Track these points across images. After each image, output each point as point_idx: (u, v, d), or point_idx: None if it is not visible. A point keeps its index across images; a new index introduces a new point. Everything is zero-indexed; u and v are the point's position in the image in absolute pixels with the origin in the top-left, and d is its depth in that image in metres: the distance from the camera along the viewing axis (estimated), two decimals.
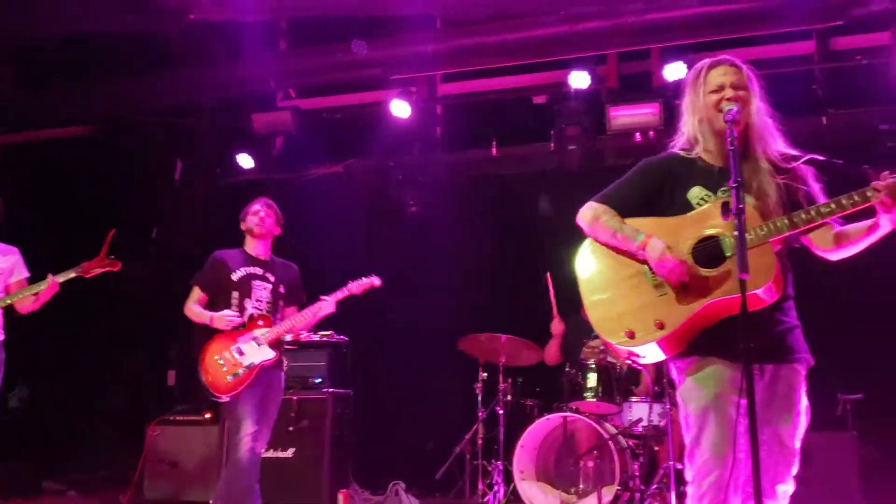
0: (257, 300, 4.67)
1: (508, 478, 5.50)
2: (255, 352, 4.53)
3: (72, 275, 4.72)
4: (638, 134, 6.60)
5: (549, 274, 5.84)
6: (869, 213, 2.55)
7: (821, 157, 2.76)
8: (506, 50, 6.52)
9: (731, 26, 5.97)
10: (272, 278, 4.74)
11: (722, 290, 2.58)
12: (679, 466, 4.88)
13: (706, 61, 2.85)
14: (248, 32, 6.67)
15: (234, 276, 4.65)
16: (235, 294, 4.64)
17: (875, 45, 6.29)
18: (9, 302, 4.76)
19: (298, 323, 4.71)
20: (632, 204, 2.84)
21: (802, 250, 2.77)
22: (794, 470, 2.68)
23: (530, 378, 6.18)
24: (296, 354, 6.00)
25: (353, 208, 7.37)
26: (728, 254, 2.61)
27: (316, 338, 6.11)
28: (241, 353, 4.52)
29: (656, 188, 2.85)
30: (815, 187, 2.75)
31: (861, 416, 5.30)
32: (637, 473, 5.19)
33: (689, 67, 2.96)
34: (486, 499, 5.51)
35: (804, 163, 2.76)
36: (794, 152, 2.78)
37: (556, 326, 6.01)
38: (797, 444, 2.67)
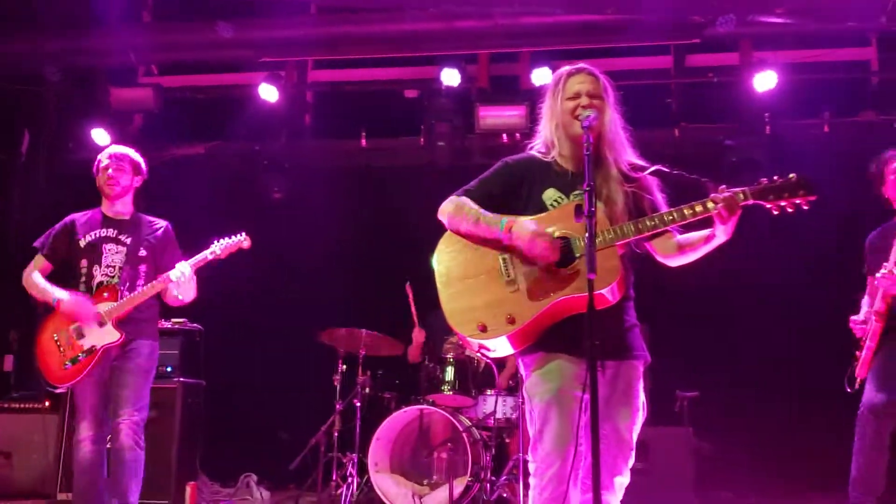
0: (108, 266, 4.05)
1: (363, 470, 5.49)
2: (98, 333, 3.92)
3: None
4: (505, 135, 6.75)
5: (408, 283, 5.88)
6: (707, 223, 2.71)
7: (665, 169, 2.92)
8: (379, 41, 6.51)
9: (596, 36, 6.22)
10: (128, 240, 4.10)
11: (570, 289, 2.68)
12: (528, 458, 5.03)
13: (566, 69, 2.96)
14: (108, 0, 6.32)
15: (83, 242, 4.07)
16: (84, 262, 4.04)
17: (726, 65, 6.71)
18: None
19: (149, 292, 3.99)
20: (491, 200, 2.89)
21: (645, 256, 2.92)
22: (631, 463, 2.81)
23: (390, 371, 6.20)
24: None
25: (214, 193, 7.12)
26: (577, 254, 2.71)
27: (168, 325, 5.87)
28: (81, 333, 3.93)
29: (514, 187, 2.92)
30: (659, 197, 2.90)
31: (696, 412, 5.63)
32: (488, 465, 5.31)
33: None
34: (339, 491, 5.48)
35: (650, 173, 2.91)
36: (641, 163, 2.93)
37: (418, 335, 6.06)
38: (634, 438, 2.80)
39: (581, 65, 2.96)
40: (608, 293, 2.67)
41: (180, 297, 4.08)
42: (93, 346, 3.94)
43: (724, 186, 2.66)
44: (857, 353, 4.22)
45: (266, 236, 7.22)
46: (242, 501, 6.20)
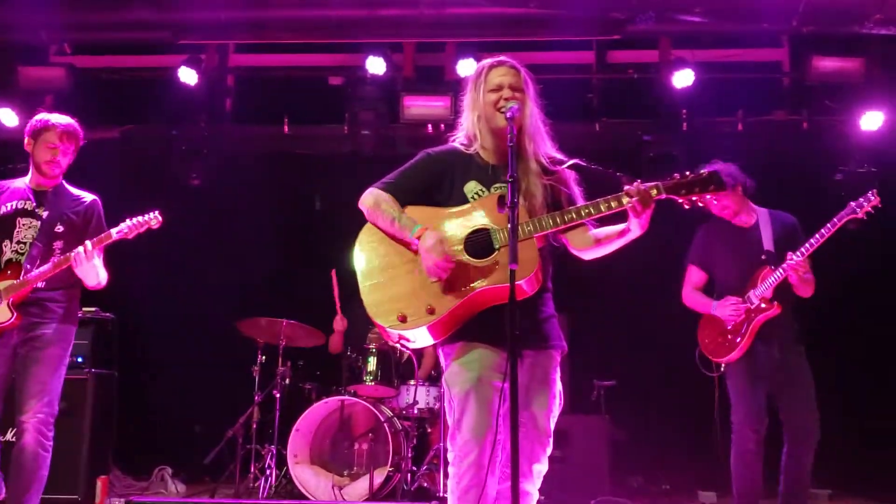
0: (18, 242, 3.79)
1: (282, 462, 5.43)
2: None
3: None
4: (430, 125, 6.74)
5: (333, 270, 5.82)
6: (622, 217, 2.77)
7: (583, 163, 2.97)
8: (302, 26, 6.39)
9: (519, 29, 6.27)
10: (44, 214, 3.82)
11: (489, 280, 2.71)
12: (448, 447, 5.06)
13: (487, 62, 2.98)
14: None
15: None
16: None
17: (646, 62, 6.85)
18: None
19: (48, 271, 3.72)
20: (412, 193, 2.91)
21: (561, 249, 2.95)
22: (549, 450, 2.85)
23: (311, 362, 6.14)
24: None
25: (129, 178, 6.90)
26: (497, 246, 2.74)
27: (79, 314, 5.66)
28: None
29: (436, 179, 2.93)
30: (576, 191, 2.95)
31: (612, 400, 5.77)
32: (409, 455, 5.33)
33: None
34: (256, 483, 5.40)
35: (568, 167, 2.96)
36: (560, 156, 2.97)
37: (339, 323, 6.03)
38: (552, 426, 2.85)
39: (502, 58, 2.98)
40: (525, 284, 2.71)
41: (85, 280, 3.81)
42: None
43: (638, 181, 2.71)
44: (730, 336, 4.27)
45: (183, 224, 7.08)
46: (157, 495, 6.05)
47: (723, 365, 4.29)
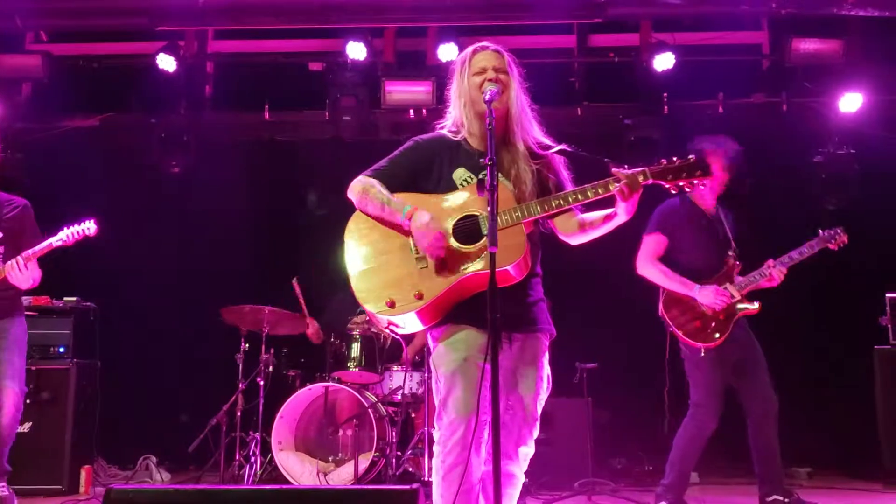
0: None
1: (266, 449, 5.44)
2: None
3: None
4: (411, 111, 6.72)
5: (295, 279, 5.81)
6: (609, 202, 2.78)
7: (569, 149, 2.98)
8: (281, 12, 6.34)
9: (501, 12, 6.25)
10: None
11: (477, 266, 2.72)
12: (433, 431, 5.09)
13: (471, 47, 2.98)
14: None
15: None
16: None
17: (627, 45, 6.86)
18: None
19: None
20: (401, 180, 2.91)
21: (548, 234, 2.97)
22: (536, 433, 2.88)
23: (295, 349, 6.14)
24: (36, 321, 5.50)
25: (109, 167, 6.85)
26: (485, 232, 2.74)
27: (60, 304, 5.64)
28: None
29: (425, 167, 2.93)
30: (565, 175, 2.96)
31: (595, 383, 5.81)
32: (394, 440, 5.34)
33: (461, 50, 3.06)
34: (242, 471, 5.41)
35: (555, 152, 2.96)
36: (547, 141, 2.97)
37: (312, 331, 6.01)
38: (539, 410, 2.87)
39: (485, 42, 2.99)
40: (513, 269, 2.72)
41: (19, 286, 4.19)
42: None
43: (626, 166, 2.73)
44: (711, 324, 4.28)
45: (164, 212, 7.07)
46: (142, 483, 6.04)
47: (702, 350, 4.28)
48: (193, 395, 6.42)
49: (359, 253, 2.87)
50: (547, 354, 2.93)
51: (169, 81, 6.54)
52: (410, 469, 5.33)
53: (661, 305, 4.40)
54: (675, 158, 2.77)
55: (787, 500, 4.32)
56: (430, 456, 5.05)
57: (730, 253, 4.41)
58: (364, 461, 5.16)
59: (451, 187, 2.87)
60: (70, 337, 5.72)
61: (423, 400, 5.37)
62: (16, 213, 4.24)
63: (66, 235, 4.19)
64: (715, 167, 4.38)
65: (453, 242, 2.77)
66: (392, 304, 2.75)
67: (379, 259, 2.83)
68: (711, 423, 4.28)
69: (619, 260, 6.02)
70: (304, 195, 7.28)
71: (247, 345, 5.67)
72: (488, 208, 2.52)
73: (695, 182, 2.76)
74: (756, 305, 4.34)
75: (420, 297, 2.73)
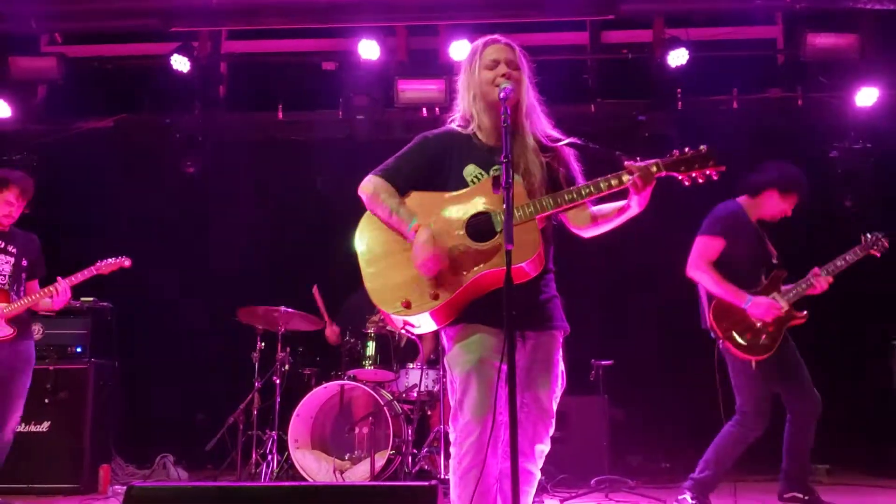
0: None
1: (283, 447, 5.45)
2: None
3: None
4: (424, 109, 6.72)
5: (315, 286, 5.84)
6: (620, 195, 2.76)
7: (579, 142, 2.95)
8: (294, 11, 6.37)
9: (513, 10, 6.25)
10: (14, 250, 4.55)
11: (491, 263, 2.69)
12: (448, 430, 5.08)
13: (482, 40, 2.95)
14: None
15: None
16: None
17: (640, 42, 6.83)
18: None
19: (37, 299, 4.52)
20: (411, 177, 2.88)
21: (559, 227, 2.95)
22: (551, 431, 2.85)
23: (310, 347, 6.16)
24: (54, 322, 5.59)
25: (124, 168, 6.90)
26: (498, 229, 2.72)
27: (77, 304, 5.67)
28: None
29: (434, 164, 2.90)
30: (576, 167, 2.93)
31: (610, 380, 5.79)
32: (410, 438, 5.35)
33: None
34: (258, 469, 5.43)
35: (565, 145, 2.94)
36: (557, 134, 2.95)
37: (331, 334, 6.06)
38: (554, 407, 2.85)
39: (496, 35, 2.95)
40: (528, 266, 2.70)
41: (50, 306, 4.62)
42: None
43: (638, 158, 2.71)
44: (763, 336, 4.24)
45: (179, 212, 7.10)
46: (159, 483, 6.08)
47: (753, 363, 4.21)
48: (210, 394, 6.46)
49: (371, 253, 2.85)
50: (561, 351, 2.90)
51: (183, 82, 6.57)
52: (426, 467, 5.33)
53: (709, 316, 4.28)
54: (687, 149, 2.74)
55: (806, 497, 4.29)
56: (447, 454, 5.05)
57: (774, 262, 4.36)
58: (380, 459, 5.16)
59: (462, 184, 2.84)
60: (87, 337, 5.76)
61: (439, 397, 5.37)
62: (34, 247, 4.69)
63: (104, 266, 4.65)
64: (796, 198, 4.41)
65: (467, 240, 2.75)
66: (408, 305, 2.73)
67: (392, 259, 2.81)
68: (758, 431, 4.24)
69: (635, 258, 6.01)
70: (308, 187, 7.29)
71: (262, 344, 5.69)
72: (503, 205, 2.50)
73: (707, 173, 2.73)
74: (804, 314, 4.27)
75: (436, 296, 2.71)
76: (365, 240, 2.88)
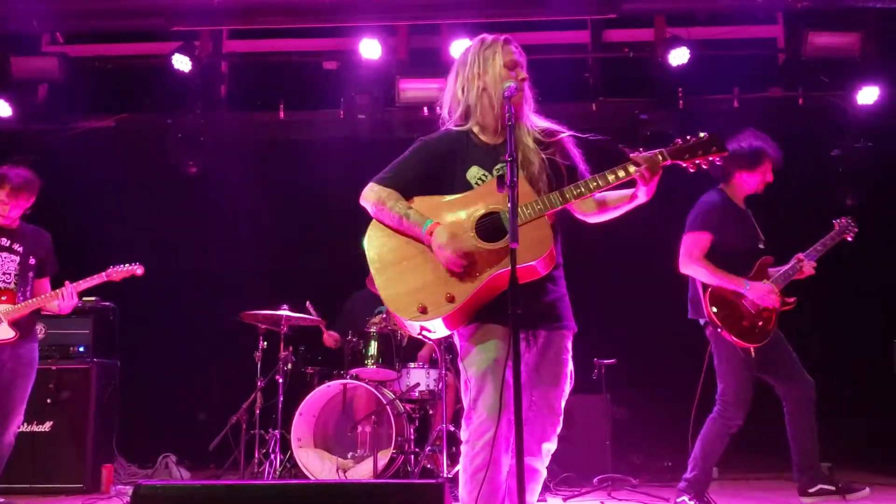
0: (4, 273, 4.40)
1: (286, 447, 5.45)
2: None
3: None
4: (426, 108, 6.72)
5: (308, 301, 5.86)
6: (627, 185, 2.77)
7: (579, 135, 2.96)
8: (295, 11, 6.36)
9: (514, 8, 6.25)
10: (20, 249, 4.48)
11: (504, 263, 2.68)
12: (451, 429, 5.10)
13: (492, 37, 2.95)
14: None
15: None
16: None
17: (641, 40, 6.84)
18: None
19: (44, 301, 4.46)
20: (413, 185, 2.88)
21: (565, 213, 2.92)
22: (559, 430, 2.87)
23: (313, 346, 6.17)
24: (56, 321, 5.56)
25: (125, 167, 6.89)
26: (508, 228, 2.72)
27: (79, 304, 5.67)
28: None
29: (436, 168, 2.90)
30: (576, 154, 2.93)
31: (613, 379, 5.79)
32: (412, 437, 5.35)
33: None
34: (261, 468, 5.43)
35: (565, 137, 2.94)
36: (553, 126, 2.95)
37: (328, 338, 6.11)
38: (562, 406, 2.86)
39: (508, 35, 2.97)
40: (539, 264, 2.70)
41: (57, 309, 4.53)
42: None
43: (641, 149, 2.72)
44: (760, 323, 4.24)
45: (181, 211, 7.10)
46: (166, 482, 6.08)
47: (752, 349, 4.20)
48: (212, 393, 6.46)
49: (382, 260, 2.83)
50: (570, 350, 2.91)
51: (184, 81, 6.58)
52: (429, 466, 5.33)
53: (706, 304, 4.26)
54: (689, 137, 2.78)
55: (834, 487, 4.29)
56: (449, 453, 5.06)
57: (761, 246, 4.38)
58: (383, 458, 5.17)
59: (466, 186, 2.84)
60: (90, 337, 5.76)
61: (441, 396, 5.37)
62: (44, 244, 4.61)
63: (115, 273, 4.61)
64: (767, 166, 4.43)
65: (478, 241, 2.74)
66: (424, 310, 2.71)
67: (403, 265, 2.80)
68: (739, 420, 4.25)
69: (638, 255, 6.01)
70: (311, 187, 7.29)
71: (265, 343, 5.69)
72: (509, 204, 2.51)
73: (711, 159, 2.76)
74: (794, 300, 4.30)
75: (451, 299, 2.70)
76: (375, 248, 2.87)
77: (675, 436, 6.28)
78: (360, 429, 5.48)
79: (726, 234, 4.33)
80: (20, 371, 4.39)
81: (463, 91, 2.93)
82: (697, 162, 2.76)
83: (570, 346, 2.90)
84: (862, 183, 6.47)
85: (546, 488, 5.08)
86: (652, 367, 6.48)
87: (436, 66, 6.67)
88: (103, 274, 4.57)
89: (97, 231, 6.50)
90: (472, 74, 2.91)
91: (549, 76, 3.04)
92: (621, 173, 2.73)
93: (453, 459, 5.01)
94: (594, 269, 6.04)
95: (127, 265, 4.66)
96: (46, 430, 5.50)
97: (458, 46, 6.23)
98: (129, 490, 5.20)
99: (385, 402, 5.32)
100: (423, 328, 2.79)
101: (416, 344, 5.94)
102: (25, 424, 5.01)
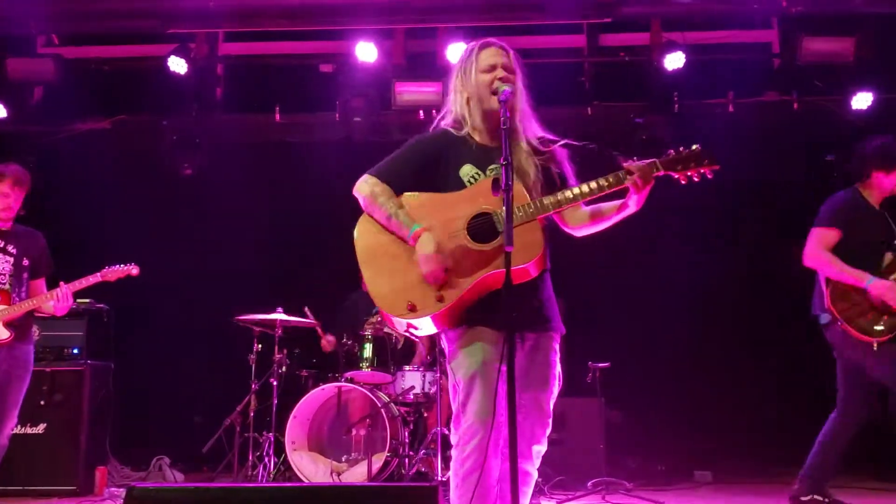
0: None
1: (280, 449, 5.45)
2: None
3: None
4: (422, 111, 6.73)
5: (305, 307, 5.87)
6: (614, 195, 2.78)
7: (575, 143, 2.97)
8: (291, 14, 6.36)
9: (511, 13, 6.25)
10: (14, 250, 4.46)
11: (494, 265, 2.69)
12: (446, 432, 5.10)
13: (476, 43, 2.96)
14: None
15: None
16: None
17: (637, 45, 6.85)
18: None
19: (40, 302, 4.45)
20: (407, 179, 2.88)
21: (552, 226, 2.94)
22: (548, 432, 2.87)
23: (307, 349, 6.16)
24: (50, 323, 5.54)
25: (121, 169, 6.89)
26: (500, 230, 2.72)
27: (73, 305, 5.66)
28: None
29: (429, 165, 2.91)
30: (568, 168, 2.94)
31: (607, 383, 5.80)
32: (406, 440, 5.35)
33: None
34: (255, 471, 5.43)
35: (560, 147, 2.95)
36: (549, 136, 2.96)
37: (326, 343, 6.11)
38: (551, 408, 2.86)
39: (490, 39, 2.97)
40: (531, 267, 2.71)
41: (52, 311, 4.51)
42: None
43: (635, 158, 2.73)
44: (885, 317, 4.14)
45: (176, 214, 7.09)
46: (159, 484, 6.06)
47: (875, 343, 4.12)
48: (207, 395, 6.45)
49: (372, 255, 2.83)
50: (558, 352, 2.91)
51: (180, 84, 6.56)
52: (423, 469, 5.34)
53: (827, 298, 4.22)
54: (682, 148, 2.78)
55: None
56: (444, 456, 5.06)
57: (884, 242, 4.28)
58: (377, 461, 5.17)
59: (459, 184, 2.84)
60: (84, 339, 5.75)
61: (436, 400, 5.37)
62: (38, 245, 4.59)
63: (110, 273, 4.59)
64: None
65: (469, 242, 2.75)
66: (413, 308, 2.72)
67: (394, 262, 2.80)
68: (863, 419, 4.25)
69: (633, 259, 6.02)
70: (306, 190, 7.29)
71: (259, 345, 5.69)
72: (503, 207, 2.51)
73: (702, 171, 2.77)
74: None
75: (441, 299, 2.70)
76: (364, 242, 2.86)
77: (669, 440, 6.32)
78: (354, 432, 5.48)
79: (855, 232, 4.29)
80: (15, 373, 4.37)
81: (454, 102, 2.96)
82: (689, 174, 2.77)
83: (557, 347, 2.90)
84: None
85: (540, 492, 5.08)
86: (646, 371, 6.50)
87: (432, 69, 6.67)
88: (98, 274, 4.55)
89: (93, 232, 6.49)
90: (460, 84, 2.93)
91: (544, 80, 3.05)
92: (613, 180, 2.73)
93: (448, 463, 4.99)
94: (589, 273, 6.06)
95: (122, 265, 4.64)
96: (40, 432, 5.49)
97: (455, 50, 6.25)
98: (123, 492, 5.19)
99: (380, 406, 5.32)
100: (409, 325, 2.79)
101: (410, 347, 5.94)
102: (19, 426, 5.01)
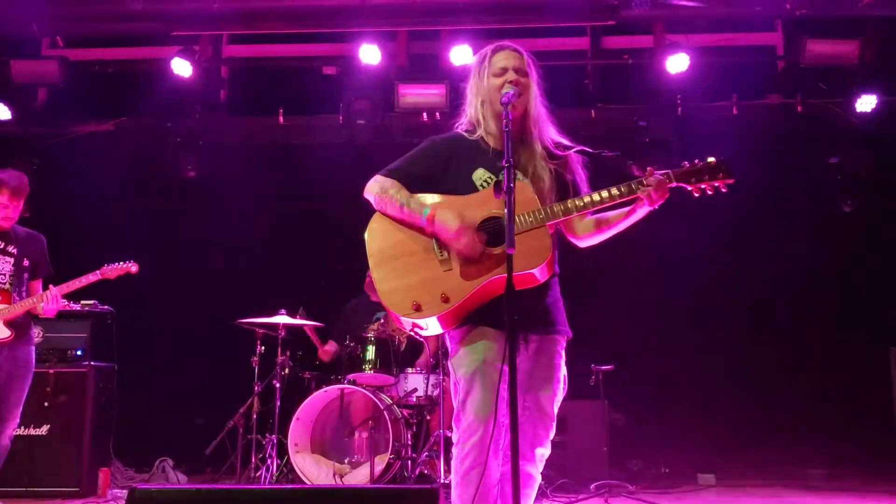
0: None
1: (283, 451, 5.45)
2: None
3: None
4: (425, 114, 6.73)
5: (302, 307, 5.86)
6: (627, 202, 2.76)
7: (590, 150, 2.96)
8: (295, 16, 6.37)
9: (514, 15, 6.26)
10: (14, 251, 4.50)
11: (502, 268, 2.65)
12: (448, 434, 5.09)
13: (490, 46, 2.96)
14: None
15: None
16: None
17: (640, 47, 6.85)
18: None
19: (37, 302, 4.44)
20: (418, 179, 2.89)
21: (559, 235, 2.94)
22: (552, 435, 2.86)
23: (310, 351, 6.16)
24: (54, 325, 5.55)
25: (124, 170, 6.89)
26: None
27: (77, 307, 5.67)
28: None
29: (442, 167, 2.91)
30: (582, 175, 2.93)
31: (611, 385, 5.79)
32: (409, 442, 5.35)
33: (475, 52, 3.04)
34: (258, 473, 5.42)
35: (574, 153, 2.95)
36: (566, 141, 2.95)
37: (323, 354, 6.13)
38: (555, 411, 2.86)
39: (506, 42, 2.97)
40: (538, 272, 2.71)
41: (41, 312, 4.48)
42: None
43: (651, 168, 2.71)
44: None
45: (180, 215, 7.10)
46: (161, 485, 6.07)
47: None
48: (209, 397, 6.44)
49: (382, 254, 2.84)
50: (564, 356, 2.91)
51: (184, 86, 6.58)
52: (426, 471, 5.33)
53: None
54: (697, 161, 2.74)
55: None
56: (446, 458, 5.05)
57: None
58: (380, 463, 5.16)
59: (471, 188, 2.84)
60: (87, 340, 5.76)
61: (439, 402, 5.37)
62: (38, 247, 4.62)
63: (109, 271, 4.61)
64: None
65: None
66: (418, 307, 2.73)
67: (402, 261, 2.81)
68: None
69: (637, 262, 6.00)
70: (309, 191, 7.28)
71: (262, 347, 5.69)
72: (517, 211, 2.51)
73: (716, 185, 2.73)
74: None
75: (446, 299, 2.71)
76: (376, 241, 2.87)
77: (672, 442, 6.30)
78: (357, 434, 5.48)
79: None
80: (16, 373, 4.39)
81: (469, 105, 2.97)
82: (703, 187, 2.74)
83: (563, 350, 2.90)
84: (860, 190, 6.48)
85: (543, 494, 5.08)
86: (650, 374, 6.49)
87: (435, 72, 6.69)
88: (98, 272, 4.57)
89: (96, 234, 6.50)
90: (474, 88, 2.94)
91: (548, 82, 3.03)
92: (625, 189, 2.72)
93: (450, 465, 5.00)
94: (593, 276, 6.04)
95: (121, 263, 4.65)
96: (43, 433, 5.50)
97: (458, 52, 6.26)
98: (126, 494, 5.20)
99: (382, 408, 5.31)
100: (415, 325, 2.80)
101: (413, 349, 5.94)
102: (22, 428, 5.01)
